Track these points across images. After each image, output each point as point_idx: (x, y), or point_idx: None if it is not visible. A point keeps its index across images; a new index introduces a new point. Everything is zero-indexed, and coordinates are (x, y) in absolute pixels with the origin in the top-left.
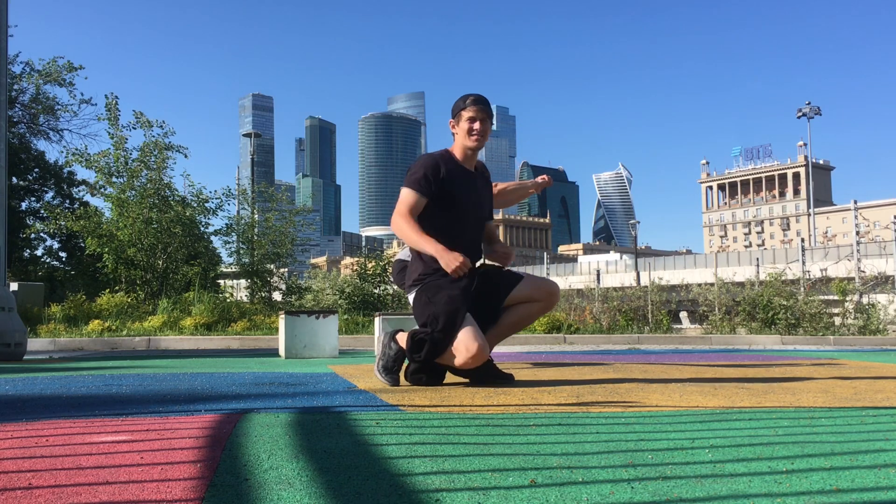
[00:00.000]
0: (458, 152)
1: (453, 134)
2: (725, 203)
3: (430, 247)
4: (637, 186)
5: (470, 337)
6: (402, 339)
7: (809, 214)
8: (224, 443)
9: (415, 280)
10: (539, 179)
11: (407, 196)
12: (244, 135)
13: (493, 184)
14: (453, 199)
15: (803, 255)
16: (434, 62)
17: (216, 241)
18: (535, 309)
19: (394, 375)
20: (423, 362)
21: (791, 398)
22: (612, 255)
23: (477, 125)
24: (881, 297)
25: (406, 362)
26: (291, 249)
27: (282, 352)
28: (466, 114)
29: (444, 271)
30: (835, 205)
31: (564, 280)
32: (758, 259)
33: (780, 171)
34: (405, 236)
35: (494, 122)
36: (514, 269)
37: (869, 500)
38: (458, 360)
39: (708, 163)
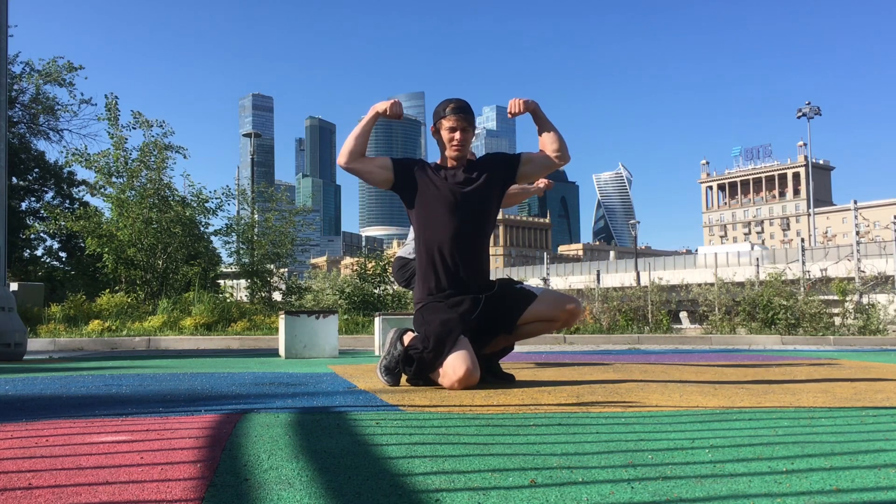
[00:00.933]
0: (442, 161)
1: (437, 141)
2: (725, 203)
3: (367, 115)
4: (637, 186)
5: (459, 361)
6: (408, 340)
7: (809, 214)
8: (224, 443)
9: (417, 301)
10: (540, 184)
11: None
12: (244, 135)
13: None
14: (438, 211)
15: (803, 255)
16: (434, 62)
17: (216, 241)
18: (555, 325)
19: (394, 376)
20: (413, 377)
21: (791, 398)
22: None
23: (457, 135)
24: (881, 297)
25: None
26: (291, 249)
27: (282, 352)
28: (447, 123)
29: (444, 293)
30: (835, 205)
31: (564, 280)
32: (758, 259)
33: (780, 171)
34: (352, 132)
35: (494, 122)
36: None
37: (869, 500)
38: (446, 382)
39: (708, 163)
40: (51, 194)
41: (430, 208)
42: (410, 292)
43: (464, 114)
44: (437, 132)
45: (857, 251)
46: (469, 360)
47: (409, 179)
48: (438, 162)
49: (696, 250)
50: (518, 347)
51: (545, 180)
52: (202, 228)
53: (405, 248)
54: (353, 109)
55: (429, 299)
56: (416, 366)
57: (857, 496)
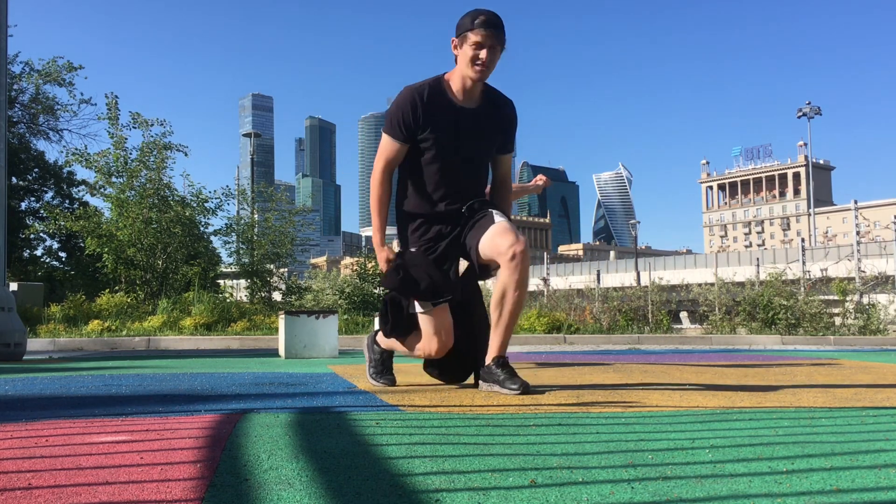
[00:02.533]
0: (456, 81)
1: (455, 55)
2: (725, 203)
3: (375, 235)
4: (637, 186)
5: (431, 333)
6: (382, 338)
7: (810, 214)
8: (224, 443)
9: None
10: (539, 182)
11: (385, 146)
12: (244, 135)
13: None
14: (433, 142)
15: (803, 255)
16: (434, 62)
17: (216, 241)
18: (505, 281)
19: (388, 376)
20: (393, 330)
21: (791, 398)
22: None
23: (483, 54)
24: (881, 297)
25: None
26: (291, 249)
27: (282, 352)
28: (473, 37)
29: (428, 236)
30: (835, 205)
31: (564, 280)
32: (758, 259)
33: (781, 171)
34: (371, 202)
35: None
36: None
37: (869, 500)
38: (423, 351)
39: (708, 163)
40: (50, 194)
41: (427, 142)
42: None
43: (495, 31)
44: (458, 46)
45: (858, 251)
46: (445, 328)
47: (415, 139)
48: (447, 78)
49: None
50: (518, 347)
51: (543, 177)
52: (202, 228)
53: None
54: (353, 109)
55: (410, 250)
56: (391, 320)
57: (857, 496)
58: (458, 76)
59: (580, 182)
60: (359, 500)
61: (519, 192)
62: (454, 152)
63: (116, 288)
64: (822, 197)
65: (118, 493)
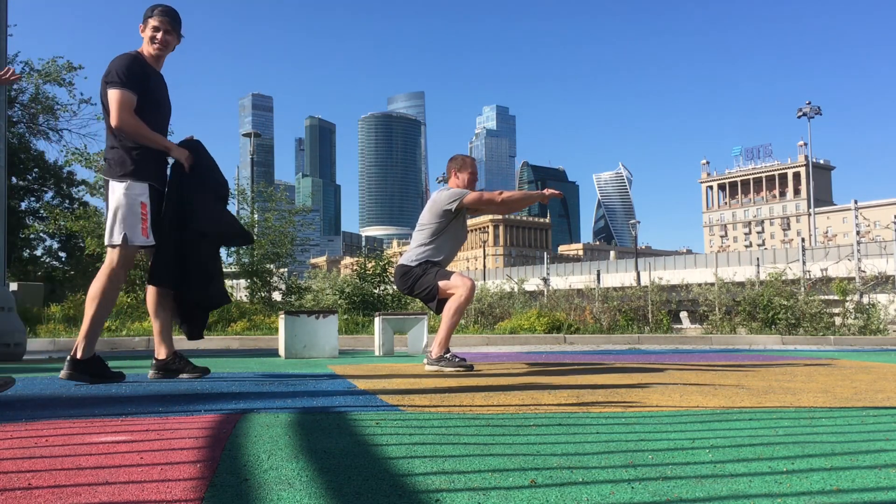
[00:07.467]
0: (145, 55)
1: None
2: (726, 203)
3: (164, 142)
4: (637, 186)
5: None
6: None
7: (810, 214)
8: (224, 443)
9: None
10: (547, 192)
11: (125, 97)
12: (244, 135)
13: (499, 192)
14: (156, 98)
15: (804, 254)
16: (434, 62)
17: None
18: None
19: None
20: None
21: (791, 398)
22: None
23: (160, 35)
24: (881, 297)
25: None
26: (291, 249)
27: (282, 352)
28: (153, 22)
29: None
30: (835, 204)
31: (564, 280)
32: (758, 259)
33: (781, 171)
34: (140, 134)
35: (494, 121)
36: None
37: (869, 500)
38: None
39: (708, 162)
40: (50, 194)
41: (152, 97)
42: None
43: (169, 18)
44: (143, 30)
45: (858, 251)
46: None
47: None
48: (141, 51)
49: None
50: (518, 347)
51: (550, 190)
52: None
53: (407, 255)
54: (353, 109)
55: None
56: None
57: (857, 496)
58: (145, 53)
59: (580, 182)
60: (359, 500)
61: (524, 199)
62: (167, 107)
63: None
64: (822, 197)
65: (118, 493)
